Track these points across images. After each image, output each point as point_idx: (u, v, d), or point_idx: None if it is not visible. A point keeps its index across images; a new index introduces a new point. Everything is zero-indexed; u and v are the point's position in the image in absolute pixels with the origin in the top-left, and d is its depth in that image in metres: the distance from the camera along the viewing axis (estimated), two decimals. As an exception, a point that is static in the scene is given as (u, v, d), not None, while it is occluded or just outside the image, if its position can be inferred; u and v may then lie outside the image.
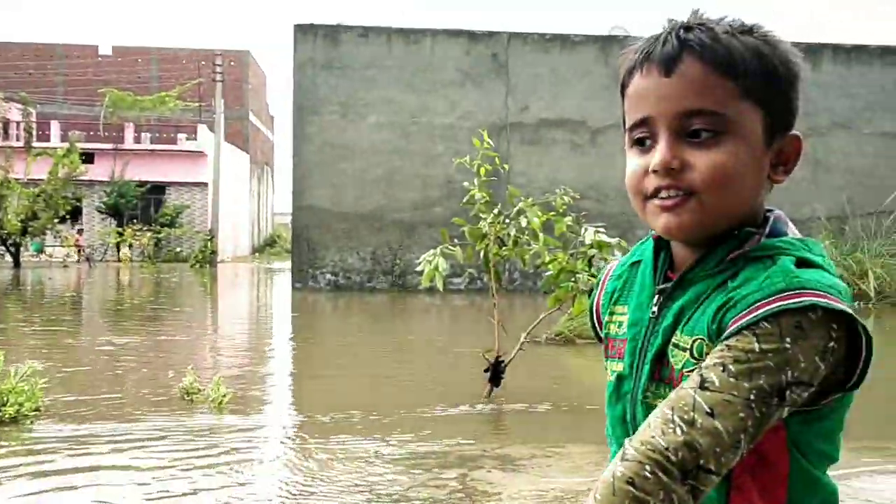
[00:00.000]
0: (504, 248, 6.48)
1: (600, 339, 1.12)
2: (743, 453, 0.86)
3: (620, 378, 1.02)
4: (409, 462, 4.69)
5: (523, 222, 6.32)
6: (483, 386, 6.43)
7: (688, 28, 0.95)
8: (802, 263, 0.92)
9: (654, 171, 0.95)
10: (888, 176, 18.75)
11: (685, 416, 0.84)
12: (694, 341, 0.93)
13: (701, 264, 0.97)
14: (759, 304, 0.87)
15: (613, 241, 6.09)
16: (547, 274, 6.35)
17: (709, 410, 0.84)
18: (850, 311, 0.87)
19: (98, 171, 31.41)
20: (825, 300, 0.86)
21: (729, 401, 0.85)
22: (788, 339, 0.86)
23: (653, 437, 0.85)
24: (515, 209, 6.48)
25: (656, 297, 1.00)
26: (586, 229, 6.16)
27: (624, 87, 1.02)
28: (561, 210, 6.55)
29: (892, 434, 5.67)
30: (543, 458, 4.78)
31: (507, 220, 6.46)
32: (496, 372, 6.36)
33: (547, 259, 6.22)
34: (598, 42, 18.69)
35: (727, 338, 0.88)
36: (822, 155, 18.80)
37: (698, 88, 0.93)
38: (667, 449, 0.83)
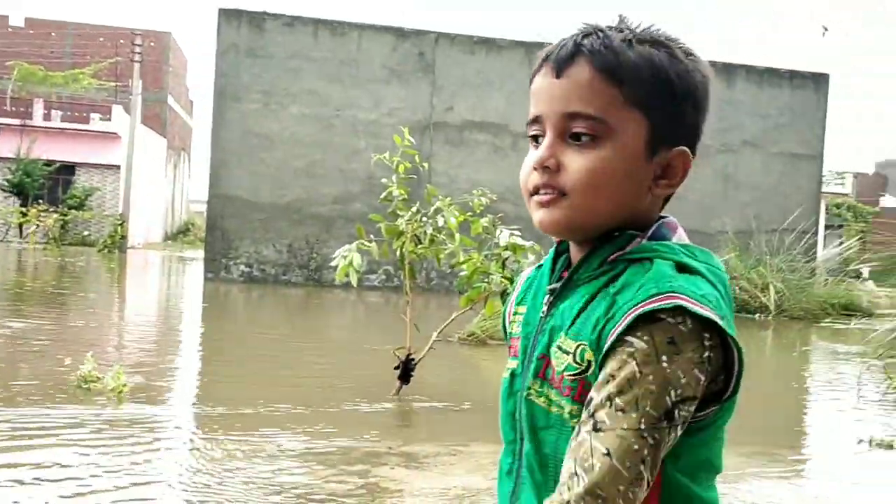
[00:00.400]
0: (420, 246, 6.48)
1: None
2: (649, 481, 0.87)
3: (514, 375, 1.04)
4: (313, 458, 4.64)
5: (440, 221, 6.34)
6: (393, 383, 6.42)
7: (587, 34, 0.97)
8: (682, 269, 0.93)
9: (535, 168, 0.99)
10: (792, 194, 19.61)
11: (585, 464, 0.86)
12: (578, 346, 0.94)
13: (585, 265, 0.99)
14: (632, 309, 0.89)
15: (528, 244, 6.17)
16: (462, 274, 6.39)
17: (605, 451, 0.85)
18: (715, 318, 0.88)
19: (2, 147, 30.02)
20: (692, 305, 0.87)
21: (622, 436, 0.85)
22: (665, 358, 0.87)
23: (560, 494, 0.87)
24: (433, 208, 6.49)
25: (547, 296, 1.02)
26: (501, 231, 6.22)
27: (530, 86, 1.05)
28: (478, 211, 6.60)
29: (780, 440, 5.91)
30: (447, 457, 4.80)
31: (425, 219, 6.47)
32: (406, 370, 6.36)
33: (462, 259, 6.26)
34: (523, 47, 18.91)
35: (606, 356, 0.89)
36: (732, 171, 19.52)
37: (582, 92, 0.96)
38: (572, 502, 0.85)
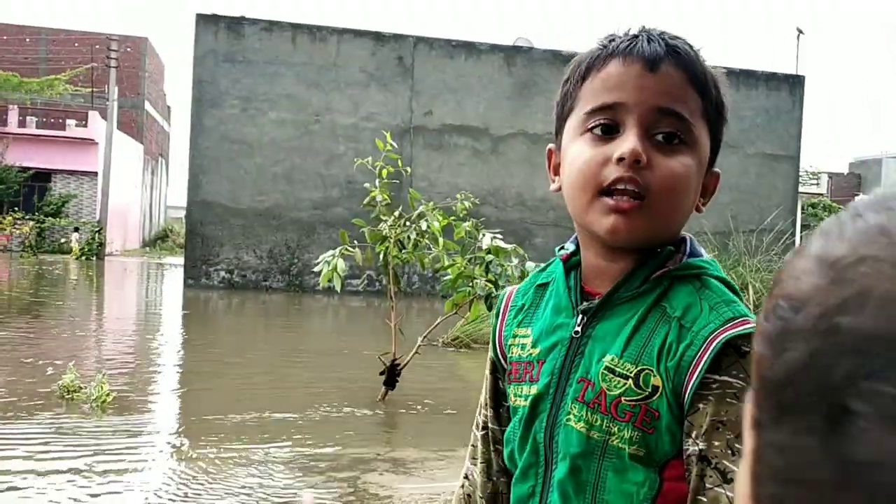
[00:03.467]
0: (404, 251, 6.49)
1: (502, 368, 1.08)
2: None
3: (537, 399, 0.97)
4: (300, 465, 4.62)
5: (423, 226, 6.35)
6: (378, 389, 6.41)
7: (667, 37, 0.95)
8: (723, 284, 0.94)
9: (620, 160, 0.90)
10: (768, 195, 19.81)
11: None
12: (640, 371, 0.90)
13: (626, 284, 0.94)
14: (712, 336, 0.88)
15: (510, 247, 6.19)
16: (445, 278, 6.39)
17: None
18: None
19: (-23, 154, 29.63)
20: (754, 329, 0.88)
21: None
22: None
23: None
24: (416, 212, 6.49)
25: (579, 316, 0.96)
26: (484, 235, 6.24)
27: (586, 74, 0.96)
28: (461, 215, 6.62)
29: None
30: (435, 462, 4.80)
31: (408, 223, 6.47)
32: (392, 375, 6.35)
33: (446, 263, 6.27)
34: (502, 52, 18.98)
35: (700, 395, 0.87)
36: (710, 172, 19.69)
37: (677, 92, 0.92)
38: None
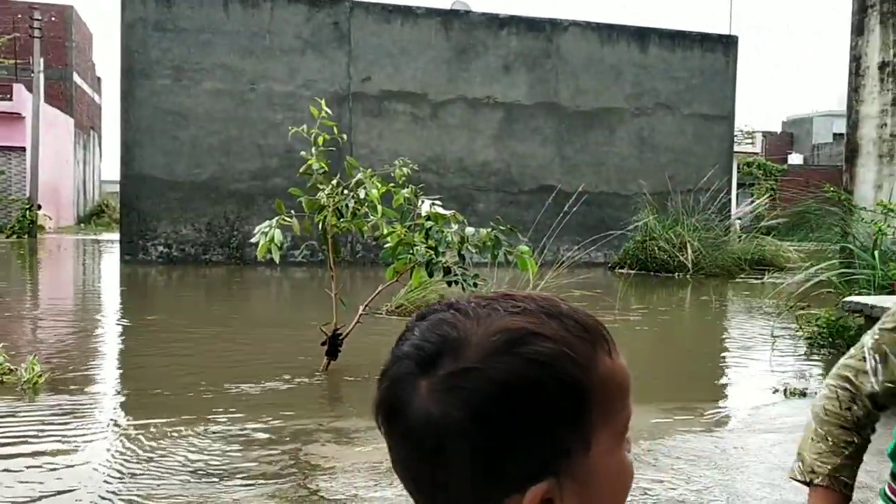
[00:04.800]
0: (342, 219, 6.41)
1: None
2: None
3: None
4: (242, 438, 4.57)
5: (362, 194, 6.28)
6: (321, 360, 6.37)
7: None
8: None
9: None
10: (705, 155, 20.14)
11: None
12: None
13: None
14: None
15: (449, 213, 6.16)
16: (386, 246, 6.35)
17: None
18: None
19: None
20: None
21: None
22: None
23: None
24: (354, 180, 6.42)
25: None
26: (423, 202, 6.20)
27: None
28: (400, 182, 6.56)
29: (701, 395, 6.11)
30: (378, 431, 4.79)
31: (346, 192, 6.39)
32: (333, 345, 6.31)
33: (385, 231, 6.22)
34: (439, 16, 18.79)
35: None
36: (647, 134, 19.91)
37: None
38: None
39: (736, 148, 27.52)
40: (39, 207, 27.15)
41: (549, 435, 0.68)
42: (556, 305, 0.73)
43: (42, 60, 28.43)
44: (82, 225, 36.87)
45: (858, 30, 11.69)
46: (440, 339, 0.73)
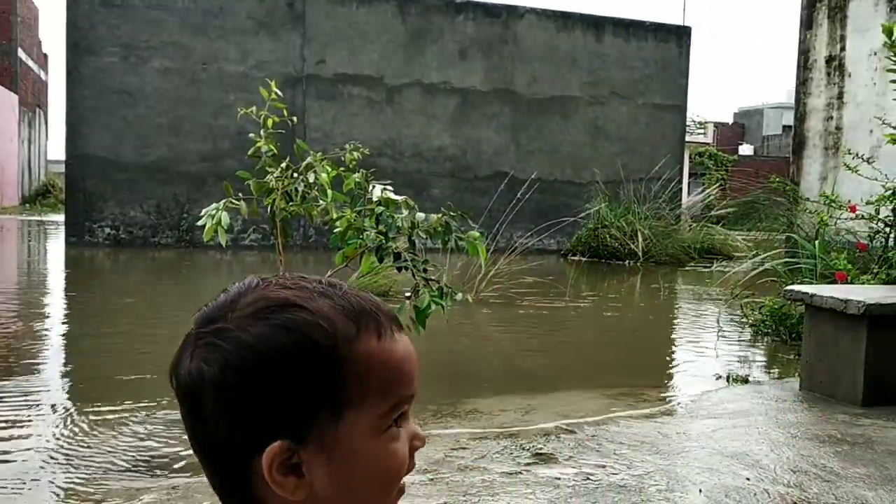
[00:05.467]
0: (292, 203, 6.33)
1: None
2: None
3: None
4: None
5: (311, 177, 6.21)
6: (268, 344, 6.29)
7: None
8: None
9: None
10: (657, 145, 20.38)
11: None
12: None
13: None
14: None
15: (400, 198, 6.12)
16: (336, 230, 6.29)
17: None
18: None
19: None
20: None
21: None
22: None
23: None
24: (304, 164, 6.34)
25: None
26: (374, 186, 6.15)
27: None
28: (351, 166, 6.50)
29: (646, 381, 6.19)
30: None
31: (295, 175, 6.31)
32: (282, 330, 6.24)
33: (335, 216, 6.16)
34: (396, -1, 18.66)
35: None
36: (601, 123, 20.07)
37: None
38: None
39: (688, 138, 27.91)
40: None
41: (291, 398, 0.71)
42: (338, 288, 0.80)
43: (-15, 35, 27.53)
44: (27, 205, 35.96)
45: (807, 24, 11.91)
46: (218, 304, 0.82)
